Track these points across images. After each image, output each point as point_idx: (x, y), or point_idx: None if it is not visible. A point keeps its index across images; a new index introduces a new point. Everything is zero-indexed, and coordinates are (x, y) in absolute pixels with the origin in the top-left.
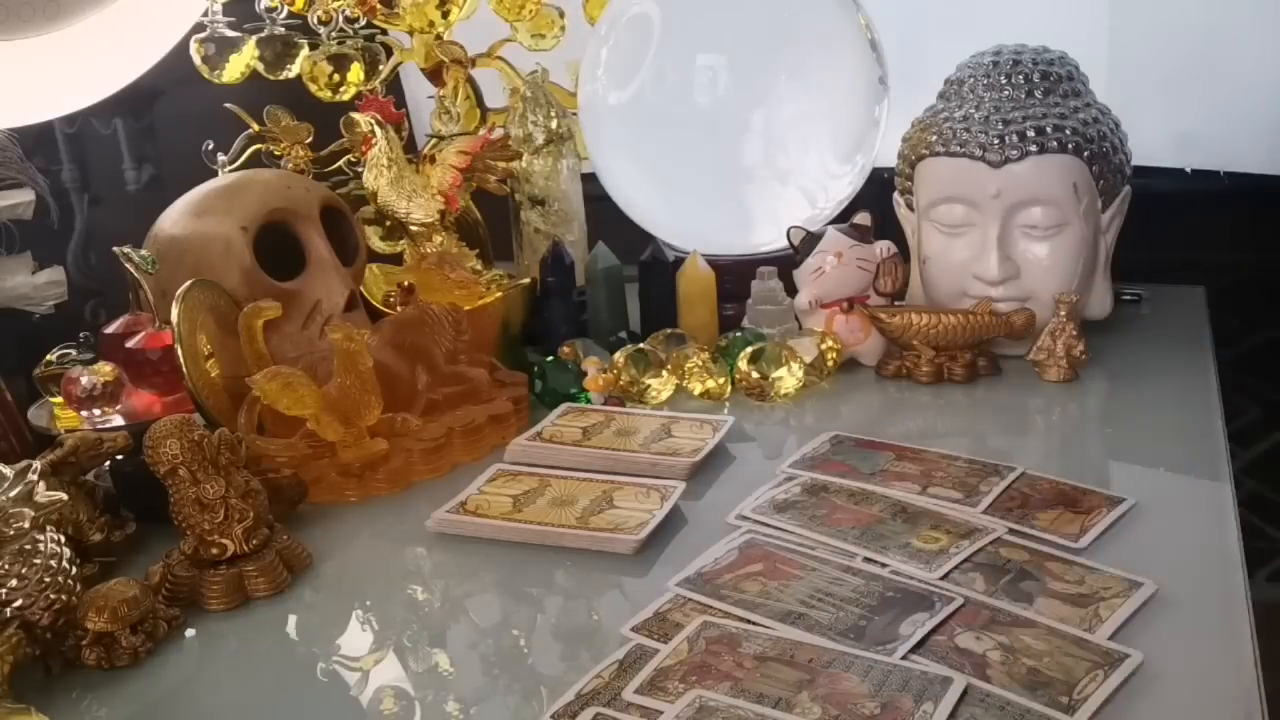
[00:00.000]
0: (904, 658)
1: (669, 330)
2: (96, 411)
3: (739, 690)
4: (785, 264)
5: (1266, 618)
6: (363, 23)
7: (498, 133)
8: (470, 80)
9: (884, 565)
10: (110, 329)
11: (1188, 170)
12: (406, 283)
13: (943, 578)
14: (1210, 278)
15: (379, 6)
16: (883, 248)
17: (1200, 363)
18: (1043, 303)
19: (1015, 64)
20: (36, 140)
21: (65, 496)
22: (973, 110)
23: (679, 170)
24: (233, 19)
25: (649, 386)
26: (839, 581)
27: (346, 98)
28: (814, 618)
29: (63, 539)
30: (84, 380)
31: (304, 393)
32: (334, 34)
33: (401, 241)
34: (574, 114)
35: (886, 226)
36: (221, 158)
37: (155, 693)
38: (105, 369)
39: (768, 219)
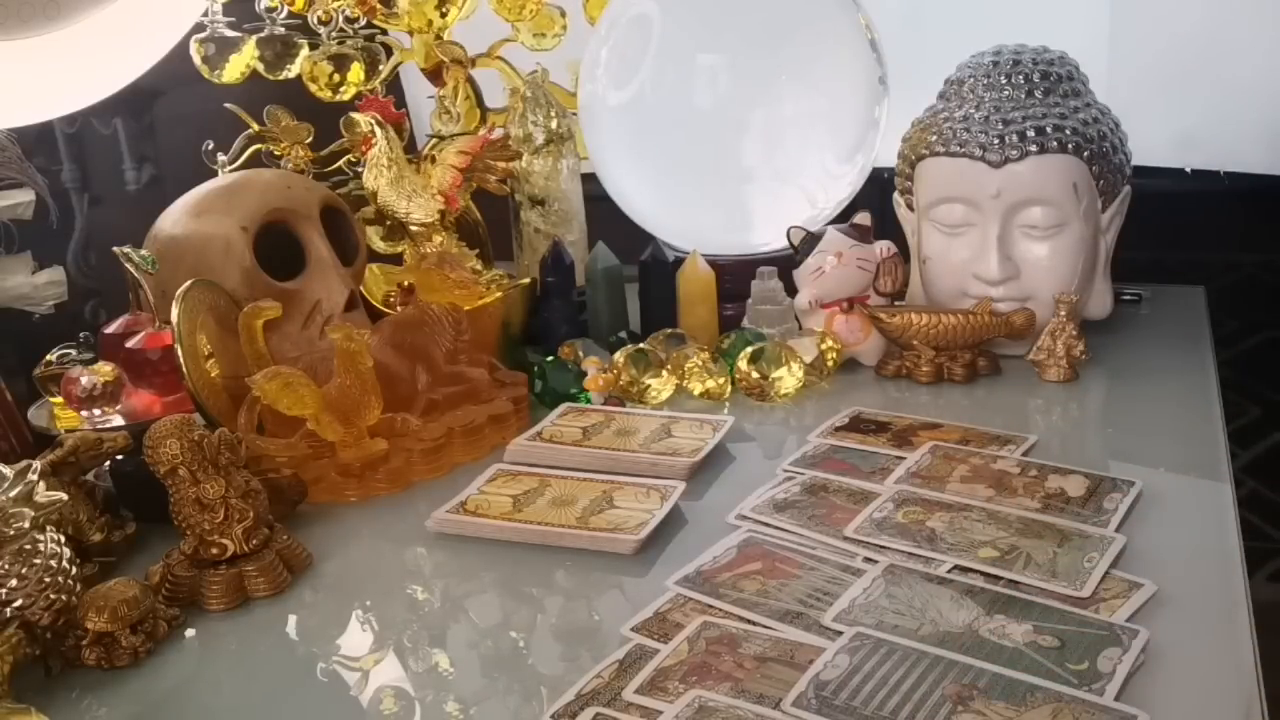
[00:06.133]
0: None
1: (669, 330)
2: (96, 411)
3: (739, 691)
4: (785, 264)
5: (1266, 618)
6: (363, 23)
7: (498, 133)
8: (470, 80)
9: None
10: (110, 329)
11: (1188, 170)
12: (406, 283)
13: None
14: (1210, 278)
15: (379, 6)
16: (883, 248)
17: (1200, 362)
18: (1043, 303)
19: (1015, 64)
20: (36, 140)
21: (65, 496)
22: (973, 110)
23: (679, 170)
24: (233, 19)
25: (649, 386)
26: (837, 581)
27: (346, 98)
28: (812, 617)
29: (63, 539)
30: (84, 380)
31: (304, 393)
32: (334, 34)
33: (401, 241)
34: (574, 114)
35: (886, 226)
36: (221, 158)
37: (155, 693)
38: (105, 369)
39: (768, 219)
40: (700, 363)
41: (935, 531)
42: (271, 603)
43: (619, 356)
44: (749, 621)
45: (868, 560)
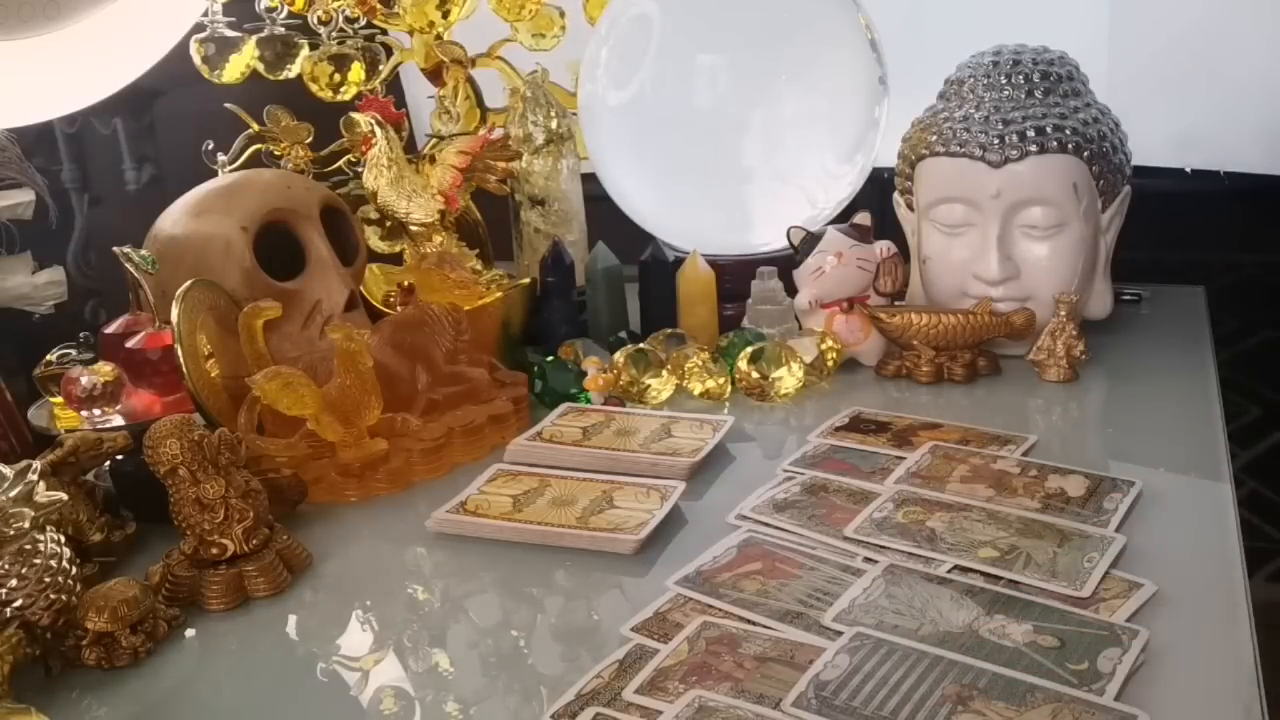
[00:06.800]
0: None
1: (669, 330)
2: (96, 411)
3: (739, 690)
4: (785, 264)
5: (1266, 617)
6: (363, 23)
7: (498, 133)
8: (470, 80)
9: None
10: (110, 329)
11: (1188, 170)
12: (406, 283)
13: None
14: (1210, 278)
15: (379, 6)
16: (883, 248)
17: (1200, 362)
18: (1043, 303)
19: (1015, 64)
20: (36, 140)
21: (65, 496)
22: (973, 110)
23: (679, 170)
24: (233, 19)
25: (649, 386)
26: (837, 581)
27: (346, 98)
28: (812, 617)
29: (63, 539)
30: (84, 380)
31: (304, 393)
32: (334, 34)
33: (401, 241)
34: (574, 114)
35: (886, 226)
36: (221, 158)
37: (155, 693)
38: (105, 369)
39: (768, 219)
40: (700, 363)
41: (935, 531)
42: (271, 603)
43: (619, 356)
44: (749, 621)
45: (868, 560)
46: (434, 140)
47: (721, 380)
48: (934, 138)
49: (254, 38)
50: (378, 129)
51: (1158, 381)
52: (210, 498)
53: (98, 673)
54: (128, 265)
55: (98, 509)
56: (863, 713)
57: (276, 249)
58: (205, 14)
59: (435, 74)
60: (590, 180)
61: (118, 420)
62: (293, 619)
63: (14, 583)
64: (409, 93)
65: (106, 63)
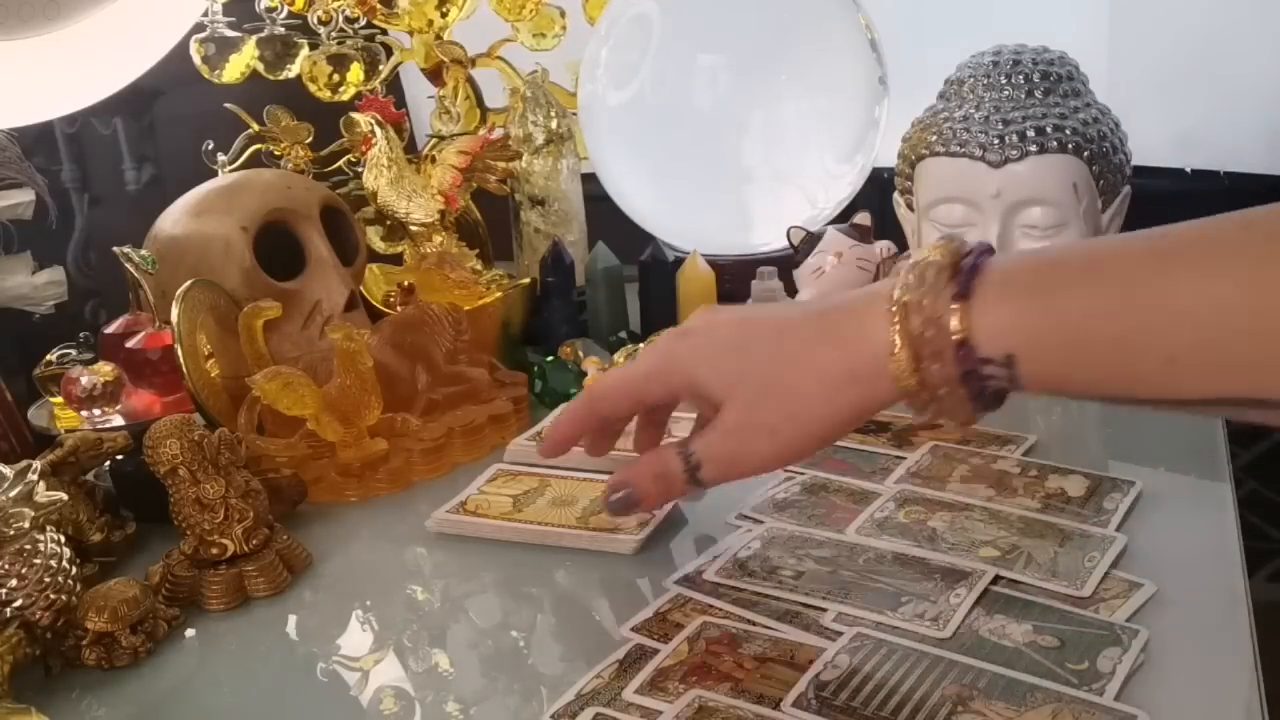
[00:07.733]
0: None
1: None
2: (96, 411)
3: (739, 691)
4: (785, 264)
5: (1266, 618)
6: (363, 23)
7: (498, 133)
8: (470, 80)
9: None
10: (110, 329)
11: (1188, 170)
12: (406, 283)
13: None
14: None
15: (379, 6)
16: (883, 248)
17: None
18: None
19: (1015, 64)
20: (36, 140)
21: (65, 496)
22: (973, 110)
23: (679, 170)
24: (233, 19)
25: None
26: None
27: (346, 98)
28: (812, 617)
29: (63, 539)
30: (84, 380)
31: (304, 393)
32: (334, 34)
33: (402, 241)
34: (574, 114)
35: (886, 226)
36: (221, 158)
37: (155, 693)
38: (105, 369)
39: (768, 219)
40: None
41: (936, 531)
42: (271, 603)
43: (619, 356)
44: (749, 621)
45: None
46: (434, 140)
47: None
48: (934, 138)
49: (254, 38)
50: (378, 129)
51: None
52: (210, 498)
53: (98, 673)
54: (128, 265)
55: (98, 509)
56: (863, 713)
57: (276, 249)
58: (205, 14)
59: (435, 74)
60: (590, 180)
61: (118, 420)
62: (293, 619)
63: (14, 583)
64: (409, 93)
65: (106, 63)
